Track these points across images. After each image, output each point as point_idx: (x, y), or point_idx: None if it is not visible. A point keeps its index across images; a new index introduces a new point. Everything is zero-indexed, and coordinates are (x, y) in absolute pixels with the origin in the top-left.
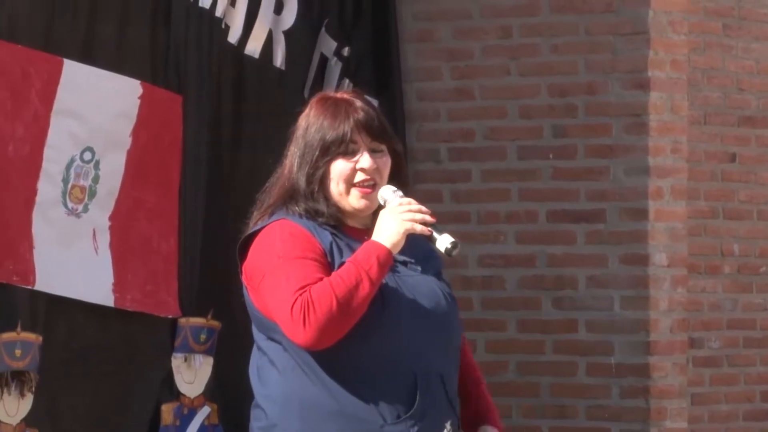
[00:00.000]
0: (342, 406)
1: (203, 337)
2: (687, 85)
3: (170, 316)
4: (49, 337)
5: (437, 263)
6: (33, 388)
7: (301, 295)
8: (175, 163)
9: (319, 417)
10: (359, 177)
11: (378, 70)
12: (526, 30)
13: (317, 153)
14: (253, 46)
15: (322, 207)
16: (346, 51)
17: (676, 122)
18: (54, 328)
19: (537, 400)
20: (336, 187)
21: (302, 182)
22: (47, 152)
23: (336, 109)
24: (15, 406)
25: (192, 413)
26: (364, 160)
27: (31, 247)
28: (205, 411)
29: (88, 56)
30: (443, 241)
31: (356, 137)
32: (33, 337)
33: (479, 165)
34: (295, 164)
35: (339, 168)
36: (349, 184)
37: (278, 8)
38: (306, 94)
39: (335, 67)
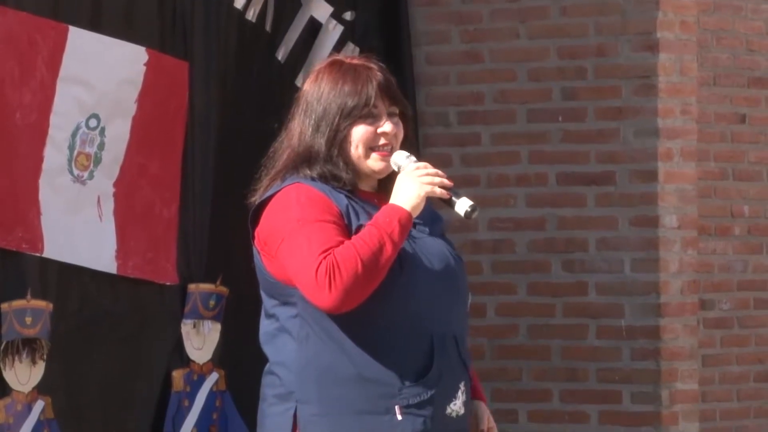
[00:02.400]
0: (361, 371)
1: (212, 303)
2: (696, 47)
3: (168, 283)
4: (61, 305)
5: (441, 224)
6: (44, 356)
7: (325, 258)
8: (179, 130)
9: (337, 382)
10: (380, 141)
11: (386, 34)
12: None
13: (338, 118)
14: (253, 11)
15: (341, 172)
16: (348, 15)
17: (685, 84)
18: (65, 295)
19: (547, 363)
20: (355, 151)
21: (321, 146)
22: (53, 119)
23: (356, 73)
24: (27, 374)
25: (201, 379)
26: (387, 125)
27: (38, 214)
28: (213, 377)
29: (95, 23)
30: (462, 205)
31: (377, 102)
32: (43, 305)
33: (489, 128)
34: (310, 128)
35: (360, 132)
36: (369, 148)
37: None
38: (280, 57)
39: (334, 32)
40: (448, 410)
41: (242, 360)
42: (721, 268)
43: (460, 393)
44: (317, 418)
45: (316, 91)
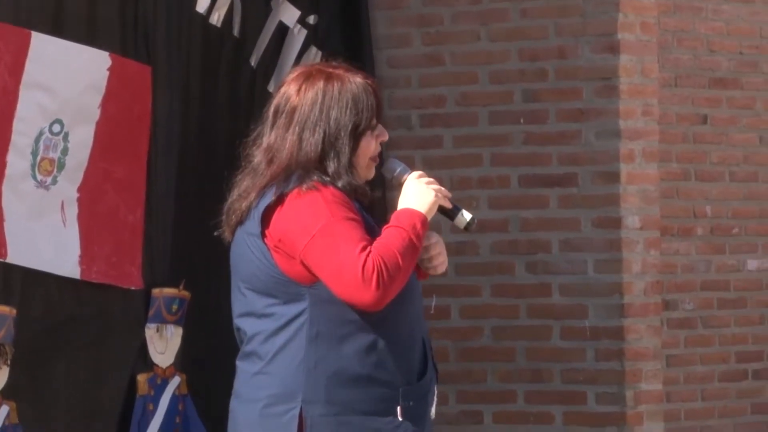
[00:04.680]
0: (371, 372)
1: (175, 307)
2: (657, 48)
3: (133, 288)
4: (25, 310)
5: None
6: (8, 361)
7: (368, 255)
8: (143, 135)
9: (347, 383)
10: (377, 150)
11: (348, 37)
12: None
13: (349, 134)
14: (217, 15)
15: (358, 183)
16: (312, 19)
17: (646, 85)
18: (29, 300)
19: (512, 364)
20: (363, 163)
21: (344, 158)
22: (16, 125)
23: (352, 85)
24: None
25: (164, 383)
26: (384, 132)
27: (1, 219)
28: (175, 381)
29: (58, 28)
30: (464, 217)
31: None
32: (7, 310)
33: (451, 131)
34: (315, 143)
35: (368, 145)
36: (370, 157)
37: None
38: (253, 62)
39: (299, 36)
40: (432, 412)
41: (202, 364)
42: (684, 269)
43: (435, 396)
44: (325, 419)
45: (317, 106)
